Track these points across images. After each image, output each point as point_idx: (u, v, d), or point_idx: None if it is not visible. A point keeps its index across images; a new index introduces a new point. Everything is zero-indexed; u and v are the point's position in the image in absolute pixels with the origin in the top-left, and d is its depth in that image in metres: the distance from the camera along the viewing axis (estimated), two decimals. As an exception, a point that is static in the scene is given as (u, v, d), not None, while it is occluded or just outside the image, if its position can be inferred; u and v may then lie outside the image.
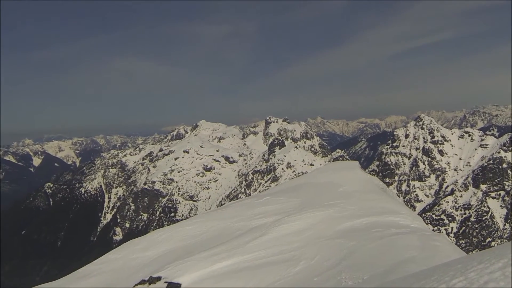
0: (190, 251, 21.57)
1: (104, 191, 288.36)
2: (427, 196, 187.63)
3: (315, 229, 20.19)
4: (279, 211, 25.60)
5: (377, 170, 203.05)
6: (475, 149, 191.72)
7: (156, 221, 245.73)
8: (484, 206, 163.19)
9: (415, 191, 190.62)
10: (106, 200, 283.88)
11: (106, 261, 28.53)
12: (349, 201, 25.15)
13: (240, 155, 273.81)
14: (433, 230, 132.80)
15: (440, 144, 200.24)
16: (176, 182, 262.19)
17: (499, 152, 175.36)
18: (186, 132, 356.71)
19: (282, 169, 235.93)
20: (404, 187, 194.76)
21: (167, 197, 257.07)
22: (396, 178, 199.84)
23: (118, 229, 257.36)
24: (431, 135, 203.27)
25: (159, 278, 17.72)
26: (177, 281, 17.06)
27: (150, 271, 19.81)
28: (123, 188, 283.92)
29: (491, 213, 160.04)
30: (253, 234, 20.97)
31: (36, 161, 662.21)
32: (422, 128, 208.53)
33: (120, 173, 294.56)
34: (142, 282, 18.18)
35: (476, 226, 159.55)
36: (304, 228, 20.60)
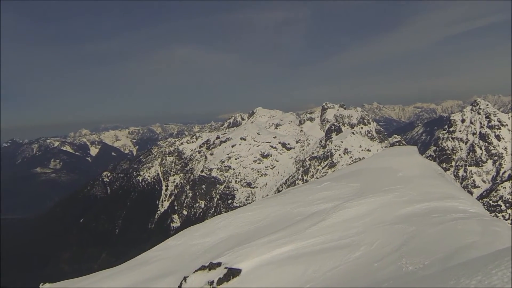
0: (250, 237, 21.84)
1: (162, 179, 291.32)
2: (484, 181, 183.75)
3: (374, 215, 20.20)
4: (339, 196, 25.64)
5: (434, 156, 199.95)
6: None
7: (213, 208, 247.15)
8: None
9: (472, 177, 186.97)
10: (164, 188, 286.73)
11: (165, 247, 29.10)
12: (408, 186, 25.00)
13: (297, 142, 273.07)
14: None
15: (497, 129, 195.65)
16: (234, 169, 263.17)
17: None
18: (243, 119, 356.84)
19: (339, 155, 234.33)
20: (461, 172, 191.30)
21: (224, 184, 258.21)
22: (453, 163, 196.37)
23: (175, 217, 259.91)
24: (488, 119, 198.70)
25: (219, 264, 18.01)
26: (237, 267, 17.32)
27: (210, 257, 20.14)
28: (180, 176, 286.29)
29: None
30: (312, 220, 21.09)
31: (93, 151, 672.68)
32: (479, 113, 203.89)
33: (177, 161, 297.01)
34: (202, 268, 18.51)
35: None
36: (363, 214, 20.63)
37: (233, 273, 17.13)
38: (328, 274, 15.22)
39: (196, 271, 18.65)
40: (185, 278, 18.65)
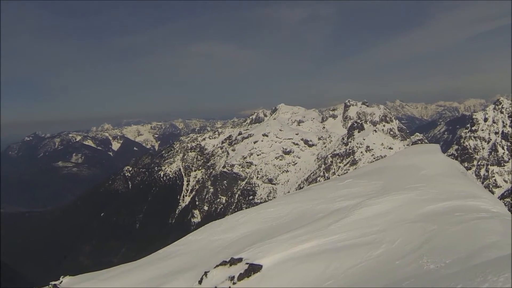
0: (272, 233, 21.95)
1: (183, 174, 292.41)
2: (505, 181, 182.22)
3: (396, 212, 20.22)
4: (361, 193, 25.67)
5: (456, 155, 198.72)
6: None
7: (234, 204, 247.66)
8: None
9: (493, 176, 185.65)
10: (185, 183, 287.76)
11: (187, 242, 29.29)
12: (430, 184, 24.95)
13: (319, 139, 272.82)
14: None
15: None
16: (255, 165, 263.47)
17: None
18: (265, 115, 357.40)
19: (361, 152, 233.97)
20: (482, 172, 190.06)
21: (246, 180, 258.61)
22: (475, 162, 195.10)
23: (196, 212, 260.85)
24: (511, 119, 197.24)
25: (240, 260, 18.13)
26: (258, 263, 17.43)
27: (231, 253, 20.27)
28: (202, 171, 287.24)
29: None
30: (335, 217, 21.16)
31: (115, 145, 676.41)
32: (501, 112, 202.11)
33: (199, 157, 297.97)
34: (223, 263, 18.65)
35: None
36: (385, 211, 20.66)
37: (254, 269, 17.25)
38: (349, 271, 15.29)
39: (217, 266, 18.81)
40: (206, 273, 18.81)
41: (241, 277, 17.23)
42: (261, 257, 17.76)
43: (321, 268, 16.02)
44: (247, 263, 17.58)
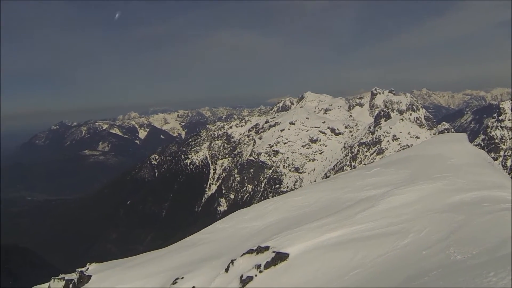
0: (299, 222, 22.03)
1: (210, 162, 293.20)
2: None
3: (424, 202, 20.18)
4: (388, 182, 25.64)
5: (482, 145, 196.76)
6: None
7: (260, 193, 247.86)
8: None
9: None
10: (212, 171, 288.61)
11: (214, 230, 29.52)
12: (458, 174, 24.82)
13: (346, 127, 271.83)
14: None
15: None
16: (282, 153, 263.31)
17: None
18: (292, 103, 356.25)
19: (388, 141, 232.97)
20: (509, 162, 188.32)
21: (272, 168, 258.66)
22: (501, 153, 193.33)
23: (222, 200, 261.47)
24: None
25: (267, 248, 18.24)
26: (285, 251, 17.52)
27: (258, 241, 20.38)
28: (228, 160, 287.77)
29: None
30: (362, 206, 21.18)
31: (142, 134, 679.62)
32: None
33: (225, 145, 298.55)
34: (250, 251, 18.76)
35: None
36: (413, 201, 20.63)
37: (280, 257, 17.36)
38: (376, 260, 15.35)
39: (243, 254, 18.93)
40: (232, 261, 18.96)
41: (268, 265, 17.36)
42: (288, 245, 17.87)
43: (348, 257, 16.11)
44: (274, 252, 17.69)
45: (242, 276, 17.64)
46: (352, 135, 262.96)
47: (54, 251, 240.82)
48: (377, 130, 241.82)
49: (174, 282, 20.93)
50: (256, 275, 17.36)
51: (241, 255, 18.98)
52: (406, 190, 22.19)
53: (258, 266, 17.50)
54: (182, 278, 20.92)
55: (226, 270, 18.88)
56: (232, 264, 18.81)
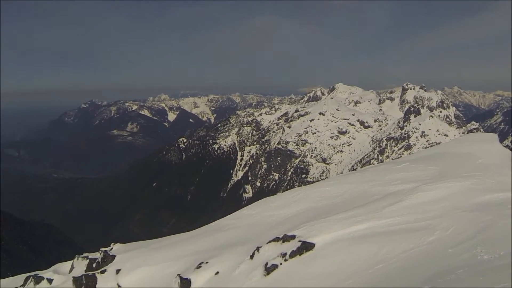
0: (326, 212, 22.09)
1: (237, 148, 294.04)
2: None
3: (451, 200, 20.11)
4: (417, 178, 25.57)
5: (511, 146, 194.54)
6: None
7: (287, 182, 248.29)
8: None
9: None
10: (239, 157, 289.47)
11: (240, 216, 29.68)
12: (487, 174, 24.64)
13: (375, 120, 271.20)
14: None
15: None
16: (310, 143, 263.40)
17: None
18: (323, 94, 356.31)
19: (416, 137, 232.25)
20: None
21: (299, 158, 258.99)
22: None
23: (248, 187, 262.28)
24: None
25: (293, 237, 18.32)
26: (311, 241, 17.59)
27: (285, 229, 20.47)
28: (256, 147, 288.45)
29: None
30: (389, 200, 21.19)
31: (171, 116, 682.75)
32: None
33: (254, 132, 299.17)
34: (276, 239, 18.87)
35: None
36: (441, 198, 20.57)
37: (306, 246, 17.44)
38: (401, 256, 15.38)
39: (269, 242, 19.02)
40: (258, 248, 19.08)
41: (293, 254, 17.44)
42: (314, 235, 17.93)
43: (373, 250, 16.15)
44: (300, 241, 17.75)
45: (267, 263, 17.74)
46: (381, 129, 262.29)
47: (78, 229, 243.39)
48: (406, 126, 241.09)
49: (199, 266, 21.10)
50: (281, 264, 17.46)
51: (267, 243, 19.09)
52: (434, 187, 22.14)
53: (284, 255, 17.60)
54: (207, 262, 21.09)
55: (251, 257, 19.00)
56: (258, 251, 18.93)
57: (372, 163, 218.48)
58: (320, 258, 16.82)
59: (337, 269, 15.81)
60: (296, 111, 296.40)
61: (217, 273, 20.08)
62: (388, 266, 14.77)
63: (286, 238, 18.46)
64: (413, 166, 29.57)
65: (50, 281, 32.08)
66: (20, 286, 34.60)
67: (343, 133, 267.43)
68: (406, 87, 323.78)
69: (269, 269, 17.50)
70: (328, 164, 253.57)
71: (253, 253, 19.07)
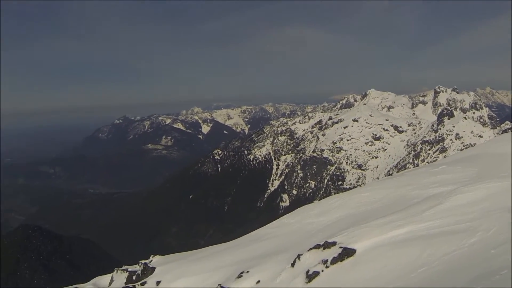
0: (365, 218, 22.09)
1: (273, 158, 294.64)
2: None
3: (491, 201, 19.95)
4: (455, 180, 25.44)
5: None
6: None
7: (323, 189, 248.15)
8: None
9: None
10: (275, 167, 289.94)
11: (280, 225, 29.82)
12: (526, 173, 24.55)
13: (409, 125, 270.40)
14: None
15: None
16: (345, 150, 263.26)
17: None
18: (355, 100, 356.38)
19: (451, 140, 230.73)
20: None
21: (335, 165, 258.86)
22: None
23: (285, 196, 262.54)
24: None
25: (334, 243, 18.35)
26: (352, 247, 17.61)
27: (325, 236, 20.51)
28: (291, 156, 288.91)
29: None
30: (429, 203, 21.11)
31: (205, 129, 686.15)
32: None
33: (289, 141, 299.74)
34: (317, 246, 18.90)
35: None
36: (480, 199, 20.41)
37: (347, 253, 17.46)
38: (443, 258, 15.34)
39: (310, 249, 19.07)
40: (299, 256, 19.14)
41: (335, 260, 17.47)
42: (355, 241, 17.96)
43: (415, 254, 16.13)
44: (340, 247, 17.76)
45: (308, 271, 17.78)
46: (415, 133, 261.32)
47: (115, 244, 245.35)
48: (440, 129, 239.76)
49: (239, 276, 21.25)
50: (322, 271, 17.49)
51: (308, 250, 19.14)
52: (473, 188, 22.01)
53: (325, 262, 17.63)
54: (248, 272, 21.24)
55: (292, 265, 19.07)
56: (299, 259, 19.00)
57: (408, 167, 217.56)
58: (362, 263, 16.85)
59: (379, 274, 15.83)
60: (330, 118, 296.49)
61: (258, 281, 20.21)
62: (431, 269, 14.76)
63: (327, 245, 18.49)
64: (451, 169, 29.43)
65: (90, 293, 32.55)
66: (60, 299, 35.16)
67: (377, 138, 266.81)
68: (438, 90, 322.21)
69: (310, 276, 17.55)
70: (364, 170, 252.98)
71: (294, 261, 19.15)
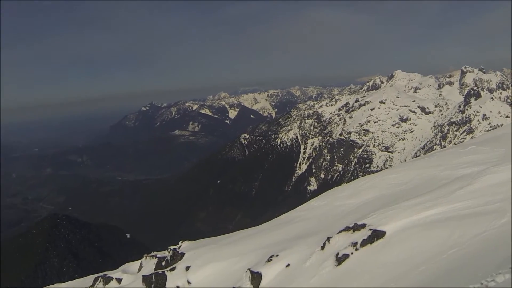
0: (395, 199, 21.99)
1: (300, 141, 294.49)
2: None
3: (520, 181, 19.86)
4: (484, 160, 25.21)
5: None
6: None
7: (351, 172, 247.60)
8: None
9: None
10: (302, 150, 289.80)
11: (309, 208, 29.81)
12: (555, 153, 24.32)
13: (435, 106, 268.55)
14: None
15: None
16: (372, 133, 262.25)
17: None
18: (382, 82, 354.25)
19: (478, 121, 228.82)
20: None
21: (362, 148, 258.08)
22: None
23: (312, 180, 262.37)
24: None
25: (363, 225, 18.29)
26: (382, 229, 17.53)
27: (354, 218, 20.46)
28: (318, 139, 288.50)
29: None
30: (458, 184, 20.95)
31: (232, 114, 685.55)
32: None
33: (316, 124, 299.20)
34: (347, 228, 18.87)
35: None
36: (509, 179, 20.33)
37: (377, 235, 17.39)
38: (473, 239, 15.24)
39: (339, 232, 19.04)
40: (328, 239, 19.12)
41: (364, 243, 17.41)
42: (384, 223, 17.88)
43: (445, 235, 16.05)
44: (370, 229, 17.68)
45: (338, 253, 17.75)
46: (442, 114, 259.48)
47: (144, 230, 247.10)
48: (467, 109, 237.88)
49: (269, 260, 21.32)
50: (352, 253, 17.47)
51: (337, 233, 19.12)
52: (503, 169, 21.80)
53: (355, 244, 17.60)
54: (277, 255, 21.29)
55: (322, 247, 19.06)
56: (328, 241, 18.98)
57: (435, 149, 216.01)
58: (392, 245, 16.81)
59: (409, 256, 15.79)
60: (357, 101, 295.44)
61: (288, 265, 20.25)
62: (461, 250, 14.68)
63: (357, 227, 18.45)
64: (480, 149, 29.20)
65: (119, 280, 32.75)
66: (89, 287, 35.35)
67: (404, 120, 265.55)
68: (465, 70, 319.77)
69: (340, 259, 17.54)
70: (391, 152, 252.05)
71: (324, 244, 19.13)
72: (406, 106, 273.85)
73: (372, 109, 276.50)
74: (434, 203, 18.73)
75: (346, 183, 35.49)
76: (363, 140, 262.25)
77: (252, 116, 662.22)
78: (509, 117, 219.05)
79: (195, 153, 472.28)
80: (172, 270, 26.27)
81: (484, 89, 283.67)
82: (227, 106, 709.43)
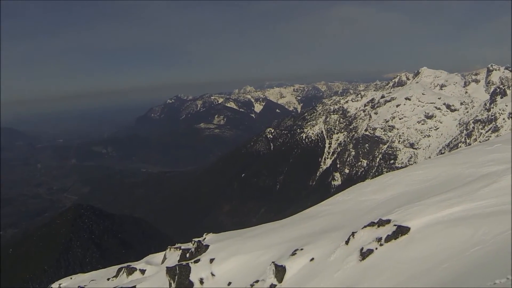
0: (420, 196, 21.99)
1: (325, 136, 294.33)
2: None
3: (546, 179, 19.79)
4: (510, 159, 25.22)
5: None
6: None
7: (375, 168, 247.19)
8: None
9: None
10: (327, 145, 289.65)
11: (334, 202, 29.86)
12: None
13: (461, 103, 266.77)
14: None
15: None
16: (397, 129, 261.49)
17: None
18: (408, 79, 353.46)
19: (503, 119, 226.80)
20: None
21: (387, 144, 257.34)
22: None
23: (337, 175, 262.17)
24: None
25: (388, 221, 18.33)
26: (406, 225, 17.57)
27: (379, 214, 20.50)
28: (344, 134, 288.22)
29: None
30: (484, 181, 20.90)
31: (257, 107, 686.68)
32: None
33: (341, 119, 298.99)
34: (371, 224, 18.92)
35: None
36: (535, 178, 20.26)
37: (401, 230, 17.43)
38: (498, 238, 15.22)
39: (364, 227, 19.10)
40: (353, 234, 19.21)
41: (389, 238, 17.46)
42: (409, 219, 17.92)
43: (469, 233, 16.06)
44: (395, 225, 17.72)
45: (362, 249, 17.85)
46: (467, 111, 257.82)
47: (167, 222, 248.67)
48: (492, 107, 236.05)
49: (293, 253, 21.44)
50: (376, 248, 17.53)
51: (362, 228, 19.19)
52: (529, 167, 21.77)
53: (379, 239, 17.66)
54: (302, 249, 21.40)
55: (347, 242, 19.15)
56: (353, 236, 19.07)
57: (460, 146, 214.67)
58: (416, 241, 16.86)
59: (433, 252, 15.84)
60: (382, 97, 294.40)
61: (312, 259, 20.38)
62: (485, 248, 14.69)
63: (381, 223, 18.51)
64: (506, 147, 29.06)
65: (143, 271, 33.12)
66: (112, 277, 35.73)
67: (429, 117, 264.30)
68: (491, 68, 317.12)
69: (364, 254, 17.64)
70: (416, 149, 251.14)
71: (348, 239, 19.23)
72: (431, 103, 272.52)
73: (397, 106, 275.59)
74: (459, 200, 18.75)
75: (371, 178, 35.30)
76: (388, 136, 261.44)
77: (277, 110, 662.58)
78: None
79: (220, 146, 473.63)
80: (196, 262, 26.44)
81: (510, 88, 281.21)
82: (252, 100, 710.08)
